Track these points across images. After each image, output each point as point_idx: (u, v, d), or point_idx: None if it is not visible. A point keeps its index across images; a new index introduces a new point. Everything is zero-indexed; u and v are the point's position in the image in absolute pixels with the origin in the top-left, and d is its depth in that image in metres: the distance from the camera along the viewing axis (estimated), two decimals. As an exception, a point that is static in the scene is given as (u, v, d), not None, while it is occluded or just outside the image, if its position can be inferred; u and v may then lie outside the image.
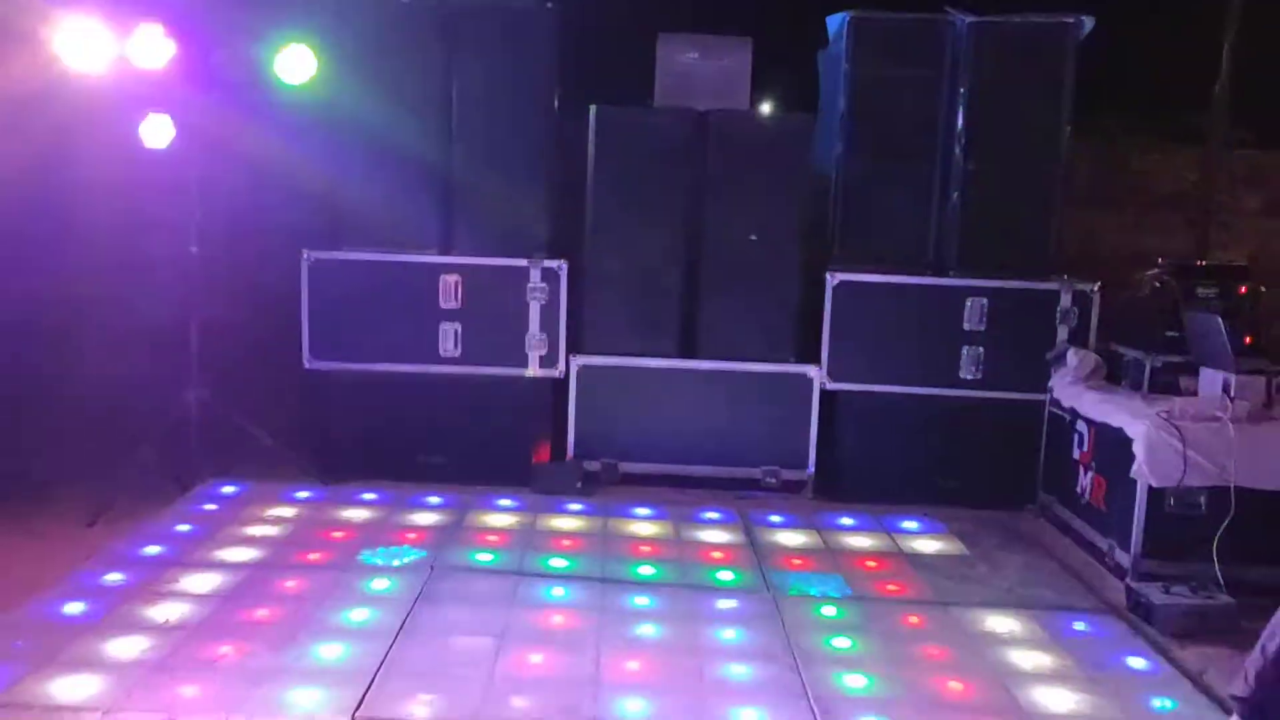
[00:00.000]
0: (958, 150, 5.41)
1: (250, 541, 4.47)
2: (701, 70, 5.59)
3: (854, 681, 3.45)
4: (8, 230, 5.08)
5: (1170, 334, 4.74)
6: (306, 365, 5.41)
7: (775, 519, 5.09)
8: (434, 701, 3.19)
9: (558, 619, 3.85)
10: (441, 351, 5.41)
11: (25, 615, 3.67)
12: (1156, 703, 3.42)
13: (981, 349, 5.37)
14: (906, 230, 5.50)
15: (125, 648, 3.44)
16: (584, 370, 5.47)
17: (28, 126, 4.78)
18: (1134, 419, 4.32)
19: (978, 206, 5.41)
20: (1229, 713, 3.11)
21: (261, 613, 3.76)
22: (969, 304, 5.35)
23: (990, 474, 5.41)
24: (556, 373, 5.47)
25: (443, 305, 5.38)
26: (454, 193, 5.44)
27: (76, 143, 5.28)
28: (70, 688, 3.16)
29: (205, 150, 5.15)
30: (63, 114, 4.89)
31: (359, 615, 3.78)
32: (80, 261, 5.48)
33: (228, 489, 5.14)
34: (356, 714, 3.09)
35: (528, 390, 5.49)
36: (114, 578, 4.01)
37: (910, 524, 5.09)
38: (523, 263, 5.39)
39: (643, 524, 4.95)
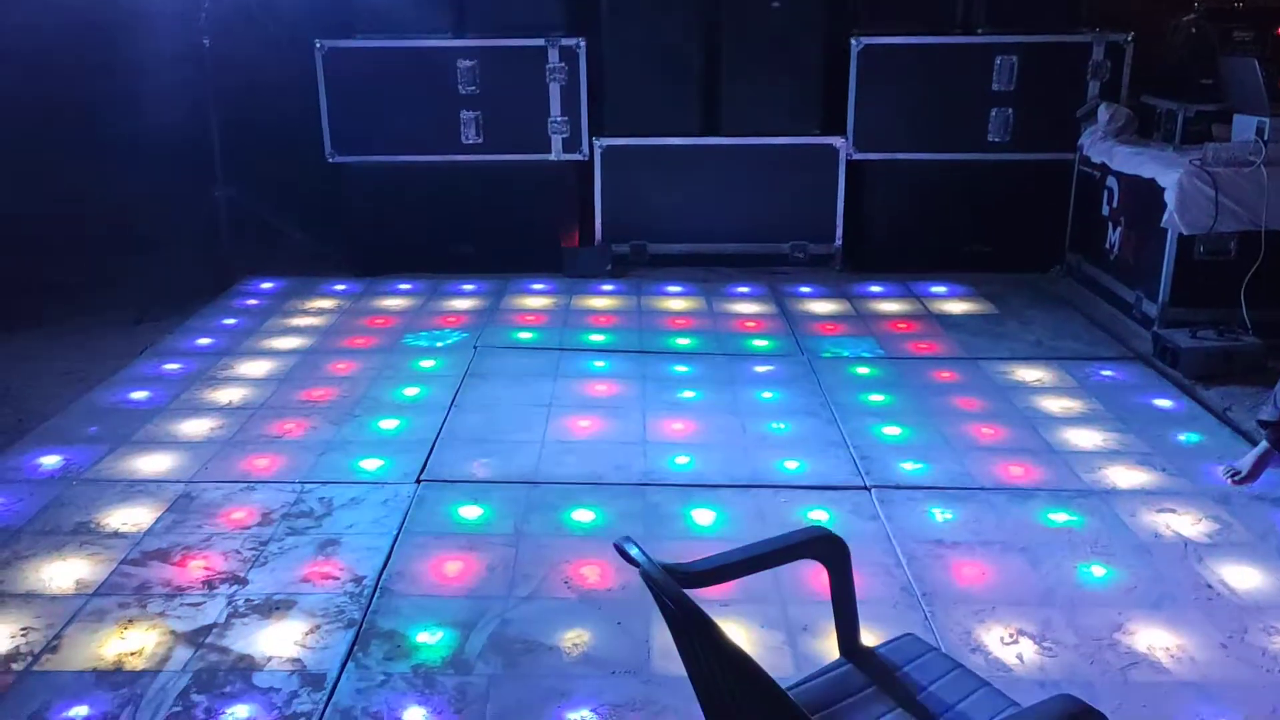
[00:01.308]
0: (986, -101, 5.18)
1: (296, 331, 4.59)
2: None
3: (891, 431, 3.60)
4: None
5: (1204, 81, 4.65)
6: (329, 159, 5.39)
7: (805, 290, 5.17)
8: (492, 464, 3.36)
9: (601, 388, 3.98)
10: (464, 139, 5.36)
11: (93, 403, 3.83)
12: (1182, 437, 3.56)
13: (1010, 110, 5.28)
14: (934, -11, 5.32)
15: (195, 428, 3.61)
16: (608, 152, 5.43)
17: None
18: (1166, 169, 4.29)
19: (1007, -41, 5.22)
20: (1253, 444, 3.24)
21: (318, 392, 3.91)
22: (998, 62, 5.22)
23: (1018, 238, 5.42)
24: (580, 156, 5.43)
25: (461, 91, 5.29)
26: (463, -30, 5.26)
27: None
28: (151, 463, 3.34)
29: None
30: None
31: (411, 392, 3.93)
32: (86, 59, 5.31)
33: (266, 284, 5.24)
34: (421, 477, 3.26)
35: (553, 176, 5.47)
36: (172, 367, 4.16)
37: (939, 288, 5.16)
38: (540, 42, 5.25)
39: (675, 300, 5.03)
